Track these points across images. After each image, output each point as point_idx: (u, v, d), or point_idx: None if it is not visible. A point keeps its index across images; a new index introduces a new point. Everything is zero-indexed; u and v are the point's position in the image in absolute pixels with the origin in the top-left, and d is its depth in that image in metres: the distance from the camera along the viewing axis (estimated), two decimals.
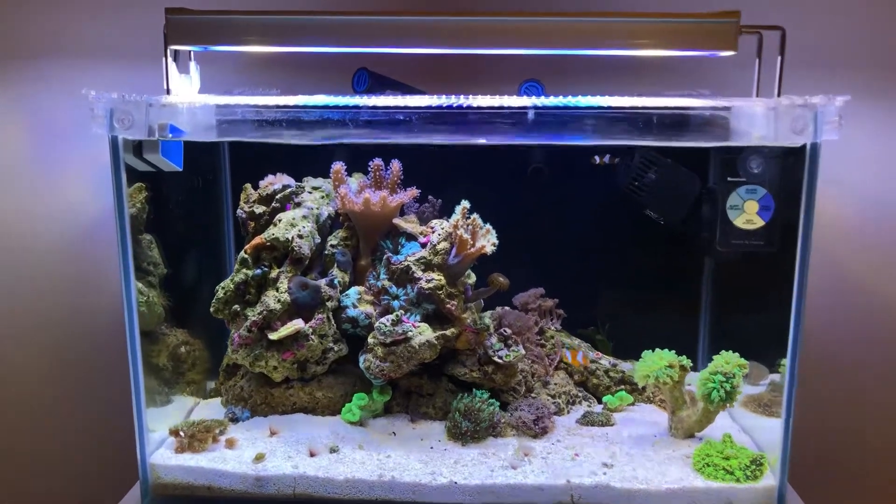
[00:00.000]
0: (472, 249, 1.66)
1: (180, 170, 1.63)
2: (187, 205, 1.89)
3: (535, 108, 1.45)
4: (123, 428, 1.53)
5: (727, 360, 1.57)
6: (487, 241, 1.66)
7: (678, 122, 1.54)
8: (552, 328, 1.94)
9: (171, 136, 1.45)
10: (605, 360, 1.89)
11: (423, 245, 1.74)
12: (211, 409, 1.80)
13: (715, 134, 1.57)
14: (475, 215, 1.70)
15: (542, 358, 1.82)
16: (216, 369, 1.92)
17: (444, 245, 1.70)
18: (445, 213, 1.75)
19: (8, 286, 2.02)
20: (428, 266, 1.69)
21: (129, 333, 1.51)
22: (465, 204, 1.69)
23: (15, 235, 2.01)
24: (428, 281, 1.66)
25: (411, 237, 1.76)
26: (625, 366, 1.89)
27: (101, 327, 1.98)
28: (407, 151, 1.71)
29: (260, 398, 1.72)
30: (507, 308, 1.90)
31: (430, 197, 1.89)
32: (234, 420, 1.69)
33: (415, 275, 1.68)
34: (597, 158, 1.95)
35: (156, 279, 1.82)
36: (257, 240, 1.64)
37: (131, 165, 1.55)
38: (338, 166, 1.77)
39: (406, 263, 1.70)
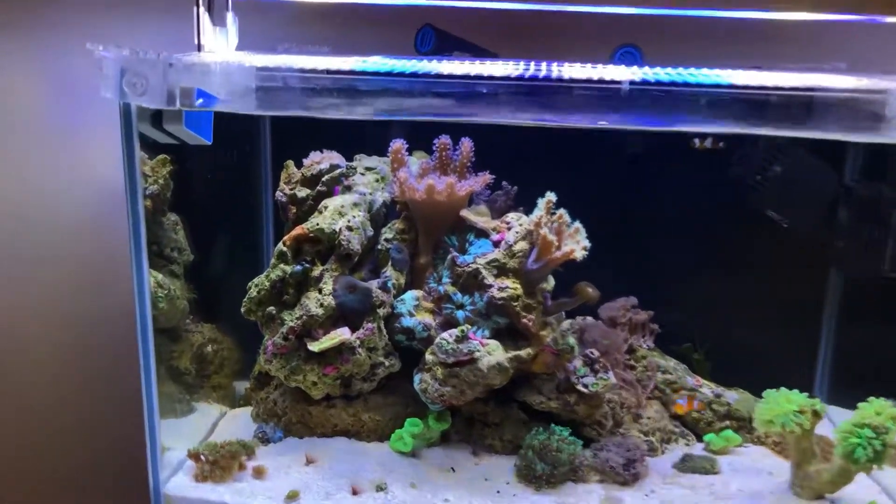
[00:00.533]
0: (558, 254, 1.37)
1: (209, 143, 1.37)
2: (219, 182, 1.65)
3: (645, 83, 1.15)
4: (142, 440, 1.31)
5: (878, 410, 1.26)
6: (577, 244, 1.37)
7: (813, 105, 1.22)
8: (643, 346, 1.65)
9: (200, 103, 1.18)
10: (707, 390, 1.59)
11: (496, 244, 1.46)
12: (239, 422, 1.57)
13: (861, 123, 1.24)
14: (562, 211, 1.40)
15: (633, 385, 1.53)
16: (247, 371, 1.68)
17: (521, 246, 1.42)
18: (521, 203, 1.56)
19: (16, 269, 1.80)
20: (501, 271, 1.41)
21: (142, 337, 1.28)
22: (551, 196, 1.40)
23: (26, 210, 1.78)
24: (501, 289, 1.39)
25: (482, 233, 1.48)
26: (729, 396, 1.59)
27: (120, 320, 1.75)
28: (475, 127, 1.47)
29: (296, 416, 1.47)
30: (590, 320, 1.61)
31: (503, 183, 1.60)
32: (265, 441, 1.46)
33: (485, 281, 1.40)
34: (696, 141, 1.63)
35: (180, 267, 1.58)
36: (298, 230, 1.38)
37: (151, 137, 1.29)
38: (397, 144, 1.49)
39: (475, 266, 1.42)
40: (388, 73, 1.16)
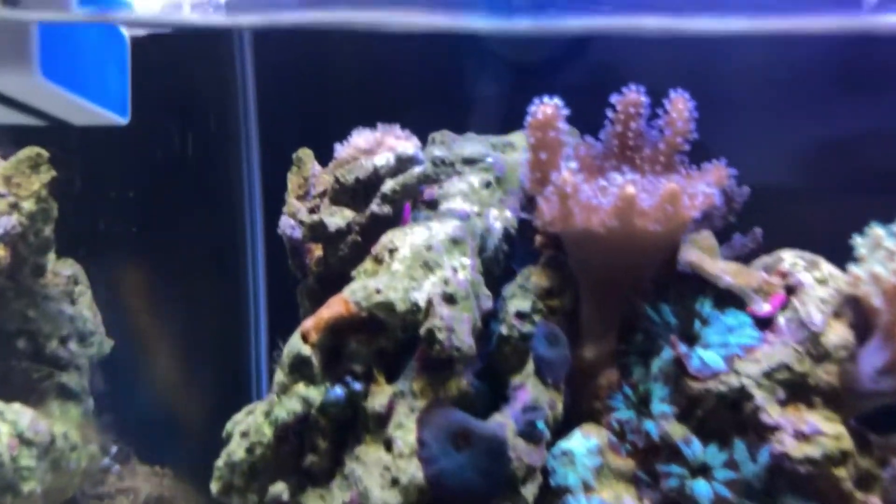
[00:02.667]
0: None
1: (124, 122, 0.59)
2: (157, 202, 0.87)
3: None
4: None
5: None
6: None
7: None
8: None
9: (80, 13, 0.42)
10: None
11: (765, 324, 0.72)
12: None
13: None
14: None
15: None
16: None
17: (840, 335, 0.68)
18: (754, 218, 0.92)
19: None
20: (797, 391, 0.70)
21: None
22: None
23: None
24: (802, 436, 0.65)
25: (726, 297, 0.73)
26: None
27: None
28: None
29: None
30: None
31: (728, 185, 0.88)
32: None
33: (761, 417, 0.67)
34: None
35: (82, 375, 0.81)
36: (337, 306, 0.67)
37: None
38: (549, 111, 0.73)
39: (735, 382, 0.68)
40: None
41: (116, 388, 0.88)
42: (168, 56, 0.75)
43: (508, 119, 1.06)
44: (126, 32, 0.64)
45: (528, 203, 0.87)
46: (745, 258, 0.95)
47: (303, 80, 0.90)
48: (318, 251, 0.83)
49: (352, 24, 0.51)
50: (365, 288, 0.73)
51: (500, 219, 0.84)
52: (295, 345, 0.72)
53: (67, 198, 0.79)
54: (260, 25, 0.60)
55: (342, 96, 0.92)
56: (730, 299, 0.78)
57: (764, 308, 0.76)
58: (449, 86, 1.06)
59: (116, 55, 0.62)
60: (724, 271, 0.77)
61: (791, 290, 0.76)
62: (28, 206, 0.75)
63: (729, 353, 0.73)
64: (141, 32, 0.71)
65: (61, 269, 0.84)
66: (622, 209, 0.73)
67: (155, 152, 0.86)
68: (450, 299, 0.73)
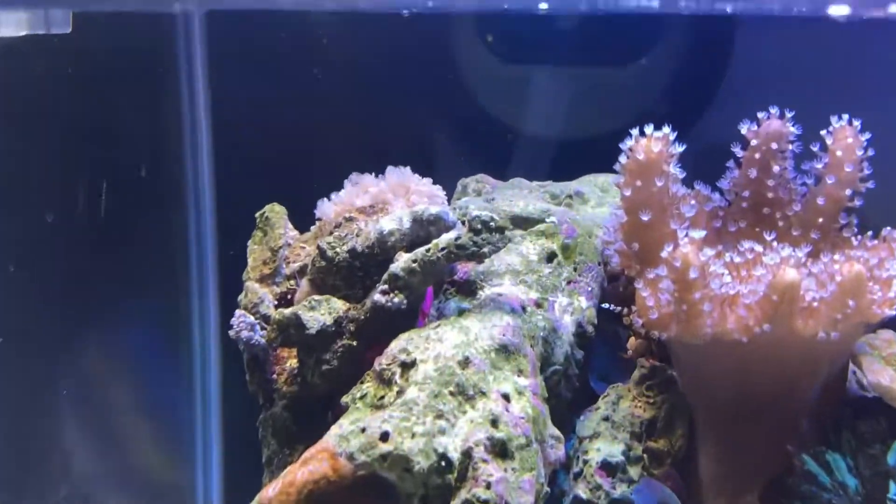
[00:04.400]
0: None
1: None
2: (51, 284, 0.62)
3: None
4: None
5: None
6: None
7: None
8: None
9: None
10: None
11: None
12: None
13: None
14: None
15: None
16: None
17: None
18: None
19: None
20: None
21: None
22: None
23: None
24: None
25: None
26: None
27: None
28: None
29: None
30: None
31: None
32: None
33: None
34: None
35: None
36: (319, 463, 0.47)
37: None
38: (655, 148, 0.48)
39: None
40: None
41: None
42: (64, 65, 0.51)
43: (561, 159, 0.82)
44: None
45: (612, 284, 0.62)
46: None
47: (276, 107, 0.66)
48: (291, 361, 0.58)
49: None
50: (363, 430, 0.48)
51: (570, 310, 0.59)
52: None
53: None
54: None
55: (330, 130, 0.67)
56: None
57: None
58: (476, 117, 0.82)
59: None
60: None
61: None
62: None
63: None
64: (13, 31, 0.47)
65: None
66: (777, 305, 0.48)
67: (46, 209, 0.61)
68: (501, 450, 0.49)
